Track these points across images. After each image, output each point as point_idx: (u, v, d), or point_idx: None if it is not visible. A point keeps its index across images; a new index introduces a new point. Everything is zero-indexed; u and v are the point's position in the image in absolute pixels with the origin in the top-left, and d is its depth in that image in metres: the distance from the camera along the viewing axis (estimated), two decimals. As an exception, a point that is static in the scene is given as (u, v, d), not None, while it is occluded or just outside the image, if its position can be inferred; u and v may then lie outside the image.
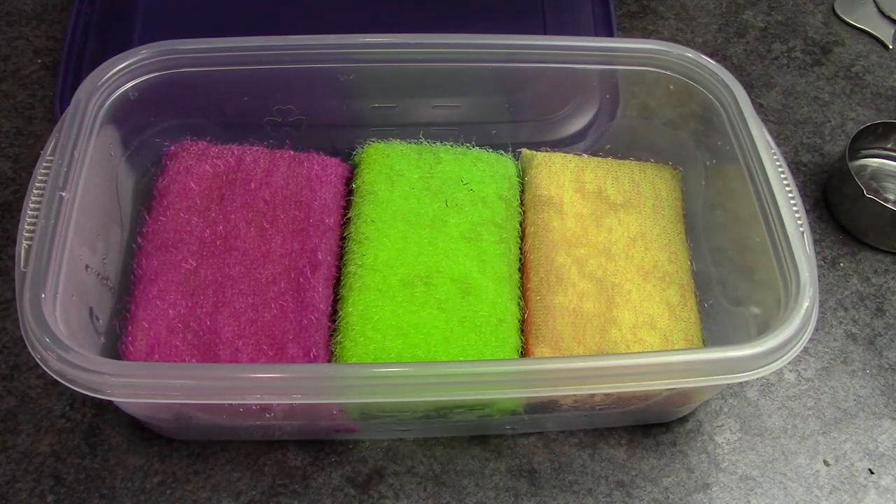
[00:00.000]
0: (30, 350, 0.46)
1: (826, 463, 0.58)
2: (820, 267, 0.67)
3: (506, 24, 0.75)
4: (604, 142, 0.67)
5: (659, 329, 0.57)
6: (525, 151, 0.65)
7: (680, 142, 0.65)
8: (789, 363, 0.50)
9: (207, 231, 0.58)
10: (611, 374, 0.46)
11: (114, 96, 0.57)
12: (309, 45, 0.60)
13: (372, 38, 0.60)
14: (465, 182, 0.61)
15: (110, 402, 0.52)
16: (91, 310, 0.53)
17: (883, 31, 0.84)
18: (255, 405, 0.50)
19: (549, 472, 0.57)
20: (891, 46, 0.83)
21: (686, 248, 0.61)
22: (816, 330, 0.64)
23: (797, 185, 0.60)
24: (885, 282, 0.67)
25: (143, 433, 0.57)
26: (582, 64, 0.62)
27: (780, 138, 0.75)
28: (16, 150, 0.69)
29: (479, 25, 0.75)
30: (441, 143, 0.64)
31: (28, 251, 0.48)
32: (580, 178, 0.63)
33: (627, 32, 0.81)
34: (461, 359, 0.54)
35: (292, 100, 0.63)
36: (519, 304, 0.57)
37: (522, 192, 0.63)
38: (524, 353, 0.56)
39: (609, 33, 0.76)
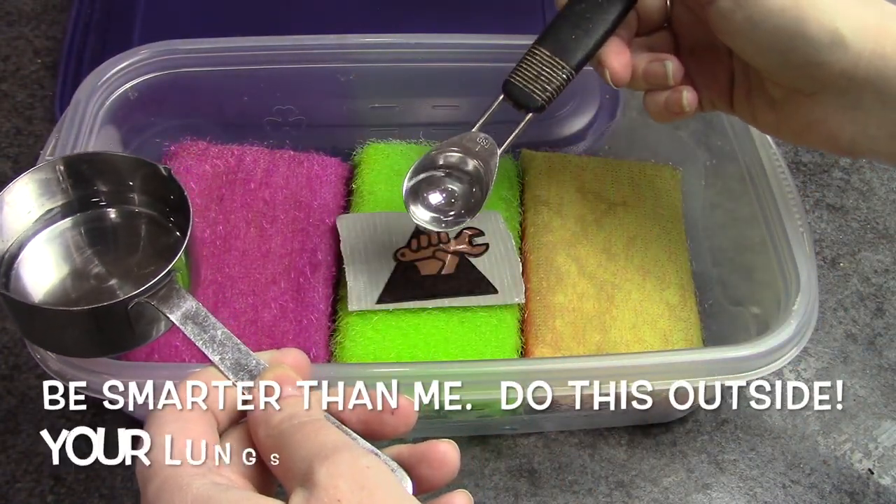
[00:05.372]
0: (30, 350, 0.46)
1: (826, 463, 0.58)
2: (820, 267, 0.67)
3: (506, 24, 0.75)
4: (604, 142, 0.67)
5: (659, 329, 0.56)
6: (525, 151, 0.65)
7: (680, 142, 0.65)
8: (789, 363, 0.50)
9: (207, 231, 0.58)
10: (611, 375, 0.46)
11: (114, 96, 0.57)
12: (309, 45, 0.60)
13: (372, 38, 0.60)
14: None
15: (110, 402, 0.52)
16: (91, 310, 0.53)
17: (883, 31, 0.84)
18: (255, 405, 0.49)
19: (548, 473, 0.57)
20: (891, 46, 0.82)
21: (686, 247, 0.61)
22: (816, 330, 0.64)
23: (797, 185, 0.60)
24: (885, 282, 0.67)
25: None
26: (582, 64, 0.62)
27: (780, 138, 0.75)
28: (16, 150, 0.69)
29: (479, 25, 0.75)
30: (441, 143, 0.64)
31: (28, 251, 0.48)
32: (580, 178, 0.63)
33: (627, 32, 0.81)
34: (461, 359, 0.54)
35: (292, 100, 0.63)
36: (519, 304, 0.57)
37: (522, 192, 0.63)
38: (524, 353, 0.56)
39: (609, 33, 0.76)
